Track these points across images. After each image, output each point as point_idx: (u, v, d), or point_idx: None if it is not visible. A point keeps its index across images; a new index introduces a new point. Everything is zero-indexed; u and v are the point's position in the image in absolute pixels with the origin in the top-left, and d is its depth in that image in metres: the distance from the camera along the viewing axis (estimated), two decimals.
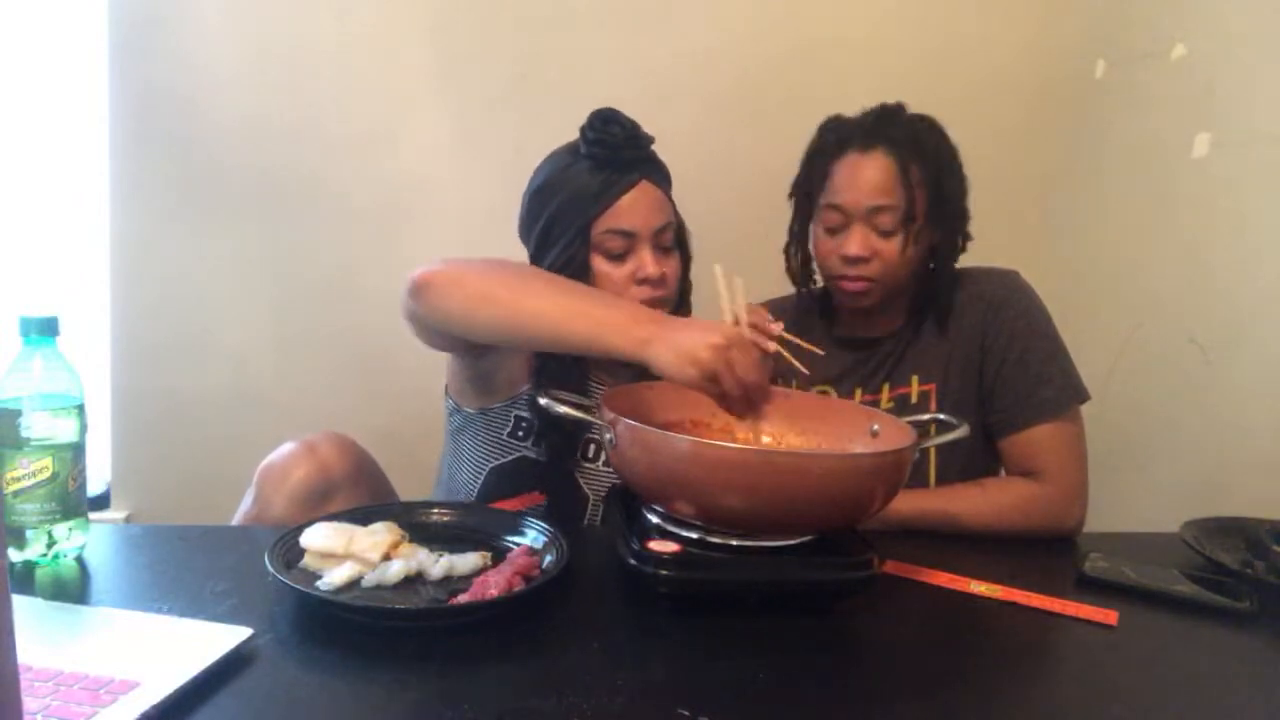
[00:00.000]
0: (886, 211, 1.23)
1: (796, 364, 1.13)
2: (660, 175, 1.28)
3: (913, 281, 1.30)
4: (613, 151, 1.22)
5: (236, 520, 1.21)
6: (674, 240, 1.27)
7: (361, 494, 1.21)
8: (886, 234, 1.24)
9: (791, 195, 1.34)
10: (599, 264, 1.23)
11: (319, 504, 1.16)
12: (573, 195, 1.22)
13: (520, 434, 1.28)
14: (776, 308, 1.42)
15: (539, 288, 1.07)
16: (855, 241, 1.24)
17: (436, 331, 1.18)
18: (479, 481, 1.29)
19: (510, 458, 1.28)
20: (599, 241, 1.22)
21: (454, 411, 1.36)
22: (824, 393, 1.33)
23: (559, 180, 1.25)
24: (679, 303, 1.31)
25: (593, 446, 1.29)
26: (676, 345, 0.96)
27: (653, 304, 1.20)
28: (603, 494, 1.29)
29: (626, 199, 1.22)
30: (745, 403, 1.00)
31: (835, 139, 1.28)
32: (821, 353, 1.16)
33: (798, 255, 1.36)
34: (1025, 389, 1.25)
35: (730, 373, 0.95)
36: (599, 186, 1.21)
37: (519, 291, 1.06)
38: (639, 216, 1.22)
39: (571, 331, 1.01)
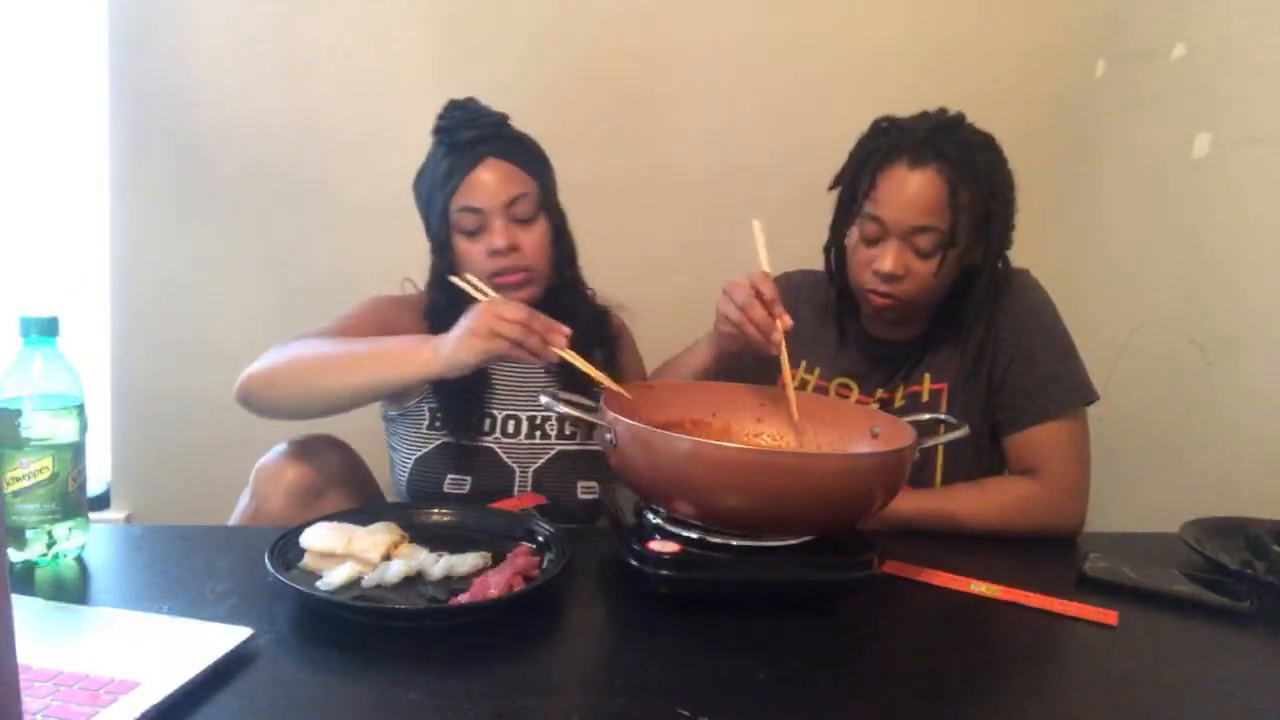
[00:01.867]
0: (928, 233, 1.19)
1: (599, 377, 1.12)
2: (511, 150, 1.32)
3: (941, 294, 1.27)
4: (453, 134, 1.30)
5: (234, 521, 1.22)
6: (534, 210, 1.31)
7: (352, 491, 1.25)
8: (924, 255, 1.20)
9: (832, 188, 1.29)
10: (458, 242, 1.31)
11: (314, 500, 1.19)
12: (431, 181, 1.32)
13: (437, 424, 1.33)
14: (798, 281, 1.41)
15: (334, 362, 1.17)
16: (891, 259, 1.20)
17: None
18: (407, 473, 1.34)
19: (431, 446, 1.32)
20: (455, 220, 1.29)
21: (385, 417, 1.42)
22: (845, 386, 1.33)
23: (423, 170, 1.36)
24: (561, 269, 1.35)
25: (512, 422, 1.34)
26: (457, 339, 1.08)
27: (510, 273, 1.28)
28: (527, 465, 1.32)
29: (472, 176, 1.28)
30: (541, 341, 1.07)
31: (887, 144, 1.21)
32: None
33: (838, 257, 1.32)
34: (1032, 387, 1.24)
35: (505, 324, 1.06)
36: (447, 168, 1.29)
37: (317, 371, 1.17)
38: (485, 192, 1.28)
39: (376, 385, 1.16)
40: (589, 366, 1.11)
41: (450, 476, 1.30)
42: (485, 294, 1.17)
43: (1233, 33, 1.62)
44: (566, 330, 1.09)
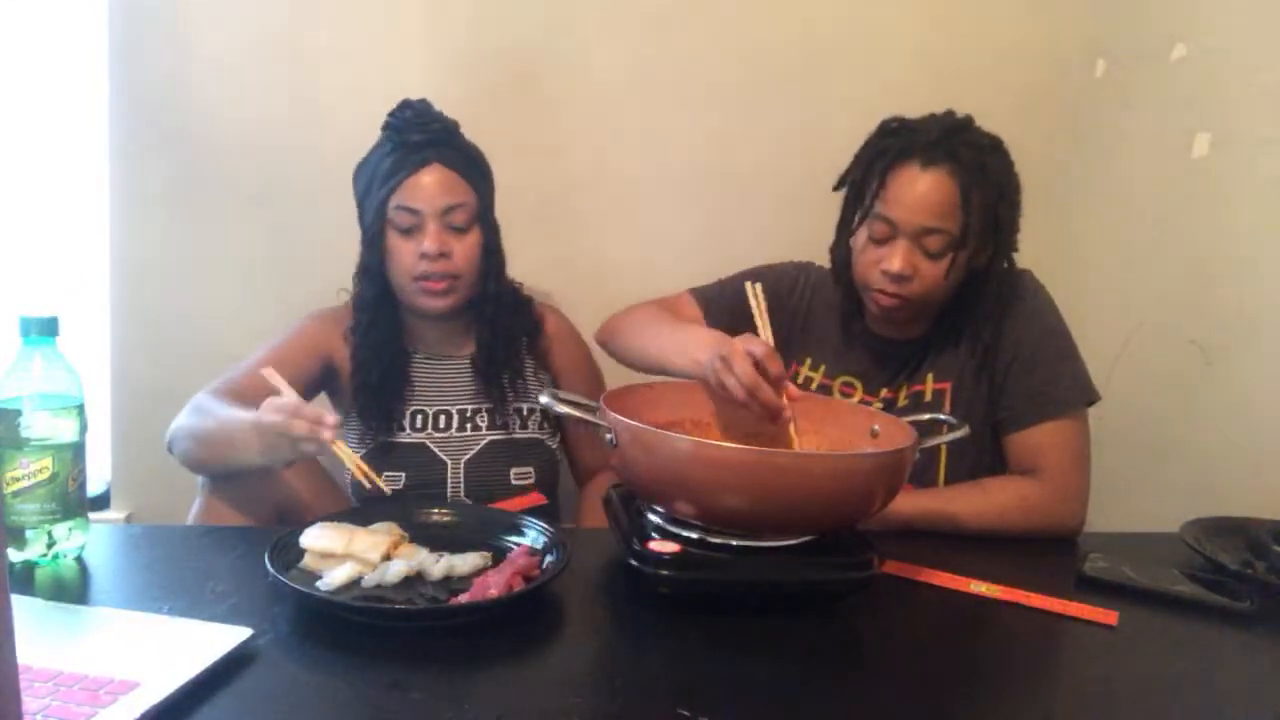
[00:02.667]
0: (938, 234, 1.18)
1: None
2: (457, 158, 1.34)
3: (947, 295, 1.27)
4: (401, 133, 1.33)
5: (192, 519, 1.23)
6: (470, 221, 1.34)
7: (300, 472, 1.26)
8: (933, 256, 1.20)
9: (838, 188, 1.29)
10: (392, 239, 1.33)
11: (261, 483, 1.21)
12: (372, 175, 1.35)
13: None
14: (809, 273, 1.41)
15: (209, 438, 1.18)
16: (899, 259, 1.19)
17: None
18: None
19: (371, 445, 1.37)
20: (391, 218, 1.32)
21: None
22: (849, 385, 1.33)
23: (366, 163, 1.38)
24: (487, 281, 1.37)
25: (444, 417, 1.38)
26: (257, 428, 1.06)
27: (437, 279, 1.31)
28: (459, 457, 1.36)
29: (414, 178, 1.31)
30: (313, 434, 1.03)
31: (897, 145, 1.21)
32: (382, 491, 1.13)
33: (844, 257, 1.30)
34: (1034, 387, 1.24)
35: (277, 436, 1.04)
36: (391, 166, 1.32)
37: (200, 447, 1.19)
38: (425, 195, 1.30)
39: (240, 465, 1.14)
40: (354, 460, 1.09)
41: (385, 473, 1.32)
42: (279, 390, 1.10)
43: (1233, 33, 1.62)
44: (329, 423, 1.03)
